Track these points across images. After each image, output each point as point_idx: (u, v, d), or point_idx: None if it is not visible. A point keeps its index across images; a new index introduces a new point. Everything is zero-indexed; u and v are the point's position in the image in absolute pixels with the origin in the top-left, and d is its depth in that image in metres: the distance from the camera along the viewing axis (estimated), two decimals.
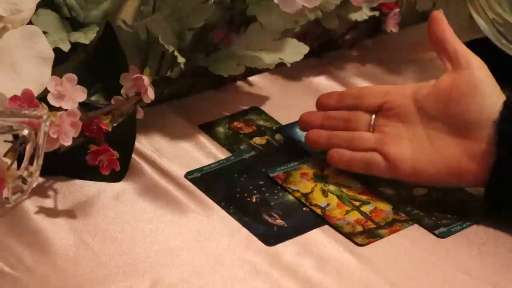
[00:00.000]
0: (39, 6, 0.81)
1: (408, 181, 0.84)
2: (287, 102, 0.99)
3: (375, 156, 0.84)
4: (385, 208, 0.83)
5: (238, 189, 0.85)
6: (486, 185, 0.80)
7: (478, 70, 0.82)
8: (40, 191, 0.83)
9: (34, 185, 0.71)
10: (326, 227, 0.81)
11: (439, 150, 0.82)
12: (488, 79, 0.81)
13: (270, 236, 0.80)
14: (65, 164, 0.83)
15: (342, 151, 0.86)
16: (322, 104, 0.89)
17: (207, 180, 0.86)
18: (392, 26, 1.07)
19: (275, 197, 0.84)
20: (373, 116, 0.86)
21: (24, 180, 0.71)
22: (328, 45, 1.09)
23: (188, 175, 0.87)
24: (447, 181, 0.82)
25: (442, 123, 0.82)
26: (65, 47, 0.83)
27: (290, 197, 0.85)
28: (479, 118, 0.80)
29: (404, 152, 0.83)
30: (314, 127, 0.88)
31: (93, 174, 0.82)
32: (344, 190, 0.85)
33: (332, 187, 0.86)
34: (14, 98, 0.72)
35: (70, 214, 0.81)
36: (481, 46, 0.90)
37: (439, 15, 0.86)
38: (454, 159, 0.81)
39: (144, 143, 0.90)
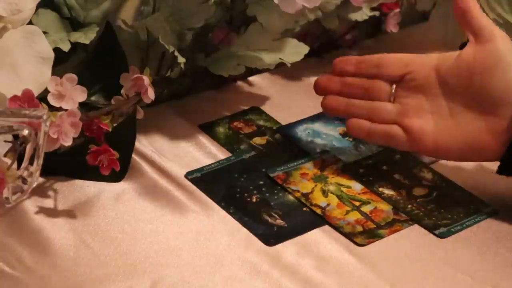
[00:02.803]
0: (39, 6, 0.81)
1: (428, 155, 0.84)
2: (287, 102, 0.99)
3: (396, 128, 0.83)
4: (385, 208, 0.83)
5: (238, 189, 0.85)
6: (500, 159, 0.80)
7: (502, 43, 0.80)
8: (40, 191, 0.83)
9: (34, 185, 0.71)
10: (326, 227, 0.81)
11: (460, 124, 0.81)
12: None
13: (270, 236, 0.80)
14: (65, 164, 0.83)
15: (362, 121, 0.84)
16: (339, 69, 0.87)
17: (207, 180, 0.86)
18: (392, 26, 1.07)
19: (275, 197, 0.84)
20: (394, 86, 0.84)
21: (24, 180, 0.71)
22: (328, 45, 1.09)
23: (188, 175, 0.87)
24: (467, 156, 0.82)
25: (464, 97, 0.81)
26: (65, 47, 0.83)
27: (290, 197, 0.85)
28: (502, 93, 0.79)
29: (426, 126, 0.82)
30: (331, 93, 0.86)
31: (93, 174, 0.82)
32: (344, 190, 0.85)
33: (332, 187, 0.86)
34: (14, 98, 0.72)
35: (70, 214, 0.81)
36: None
37: None
38: (474, 134, 0.80)
39: (144, 143, 0.90)
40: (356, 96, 0.85)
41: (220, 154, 0.90)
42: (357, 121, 0.85)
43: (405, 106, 0.84)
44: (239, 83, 1.02)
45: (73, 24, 0.88)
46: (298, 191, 0.85)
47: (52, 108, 0.75)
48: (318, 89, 0.87)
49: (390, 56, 0.85)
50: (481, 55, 0.80)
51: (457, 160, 0.84)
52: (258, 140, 0.93)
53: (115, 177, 0.84)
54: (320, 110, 0.97)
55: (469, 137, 0.81)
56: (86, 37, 0.85)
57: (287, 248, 0.78)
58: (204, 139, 0.92)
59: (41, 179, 0.84)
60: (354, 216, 0.82)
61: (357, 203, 0.84)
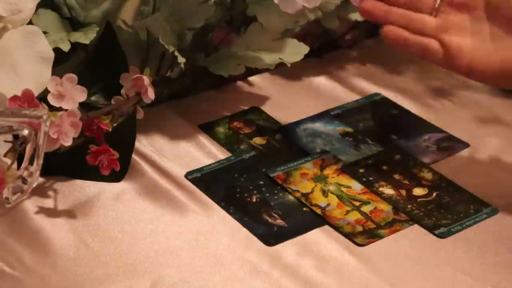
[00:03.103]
0: (39, 6, 0.81)
1: (461, 74, 0.83)
2: (287, 102, 0.99)
3: (433, 43, 0.82)
4: (385, 208, 0.83)
5: (238, 189, 0.85)
6: None
7: None
8: (40, 191, 0.83)
9: (34, 185, 0.71)
10: (326, 227, 0.81)
11: (499, 49, 0.81)
12: None
13: (270, 236, 0.80)
14: (65, 164, 0.83)
15: (399, 29, 0.83)
16: None
17: (207, 180, 0.86)
18: None
19: (275, 197, 0.84)
20: (438, 0, 0.83)
21: (24, 180, 0.71)
22: (328, 45, 1.09)
23: (188, 175, 0.87)
24: (500, 81, 0.82)
25: (508, 23, 0.81)
26: (65, 47, 0.83)
27: (290, 197, 0.85)
28: None
29: (464, 44, 0.81)
30: None
31: (93, 174, 0.82)
32: (344, 190, 0.85)
33: (332, 187, 0.86)
34: (14, 98, 0.72)
35: (70, 214, 0.81)
36: None
37: None
38: (511, 61, 0.80)
39: (144, 143, 0.90)
40: (397, 5, 0.83)
41: (220, 154, 0.90)
42: (394, 27, 0.83)
43: (447, 22, 0.82)
44: (239, 83, 1.02)
45: (73, 24, 0.88)
46: (298, 191, 0.85)
47: (52, 108, 0.75)
48: None
49: None
50: None
51: (490, 84, 0.84)
52: (258, 140, 0.93)
53: (115, 177, 0.84)
54: (320, 110, 0.98)
55: (506, 62, 0.80)
56: (86, 37, 0.85)
57: (287, 248, 0.78)
58: (204, 139, 0.92)
59: (41, 179, 0.84)
60: (354, 216, 0.82)
61: (357, 203, 0.84)
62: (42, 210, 0.81)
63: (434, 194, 0.85)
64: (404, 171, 0.88)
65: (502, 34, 0.81)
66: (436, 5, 0.83)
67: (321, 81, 1.03)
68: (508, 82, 0.81)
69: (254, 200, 0.84)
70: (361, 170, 0.88)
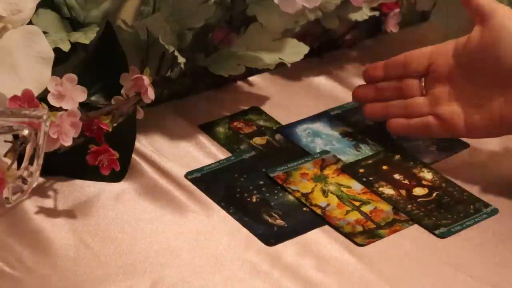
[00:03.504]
0: (39, 6, 0.81)
1: (465, 137, 0.88)
2: (287, 102, 0.99)
3: (430, 119, 0.87)
4: (385, 208, 0.83)
5: (238, 189, 0.85)
6: None
7: (503, 17, 0.82)
8: (40, 191, 0.83)
9: (34, 185, 0.71)
10: (326, 227, 0.81)
11: (485, 102, 0.84)
12: None
13: (270, 236, 0.80)
14: (65, 164, 0.83)
15: (400, 120, 0.89)
16: (369, 76, 0.92)
17: (207, 180, 0.86)
18: (392, 26, 1.07)
19: (275, 197, 0.84)
20: (423, 79, 0.88)
21: (24, 180, 0.71)
22: (328, 45, 1.09)
23: (188, 175, 0.87)
24: (495, 132, 0.85)
25: (483, 75, 0.84)
26: (65, 47, 0.83)
27: (290, 197, 0.84)
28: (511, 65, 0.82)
29: (455, 111, 0.86)
30: (369, 101, 0.91)
31: (93, 174, 0.82)
32: (344, 190, 0.85)
33: (332, 187, 0.86)
34: (14, 98, 0.72)
35: (70, 214, 0.81)
36: None
37: None
38: (498, 109, 0.83)
39: (144, 143, 0.90)
40: (392, 98, 0.90)
41: (220, 154, 0.90)
42: (395, 121, 0.89)
43: (435, 96, 0.87)
44: (239, 83, 1.02)
45: (73, 24, 0.88)
46: (298, 191, 0.85)
47: (52, 108, 0.75)
48: (358, 100, 0.93)
49: (413, 53, 0.90)
50: (485, 32, 0.83)
51: (491, 137, 0.87)
52: (258, 140, 0.93)
53: (115, 177, 0.84)
54: (320, 110, 0.98)
55: (493, 113, 0.83)
56: (86, 37, 0.85)
57: (287, 248, 0.78)
58: (204, 139, 0.92)
59: (41, 179, 0.84)
60: (354, 216, 0.82)
61: (357, 203, 0.84)
62: (42, 210, 0.81)
63: (434, 194, 0.85)
64: (404, 171, 0.88)
65: (482, 88, 0.84)
66: (422, 84, 0.88)
67: (321, 81, 1.03)
68: (503, 129, 0.85)
69: (254, 200, 0.84)
70: (361, 170, 0.88)
